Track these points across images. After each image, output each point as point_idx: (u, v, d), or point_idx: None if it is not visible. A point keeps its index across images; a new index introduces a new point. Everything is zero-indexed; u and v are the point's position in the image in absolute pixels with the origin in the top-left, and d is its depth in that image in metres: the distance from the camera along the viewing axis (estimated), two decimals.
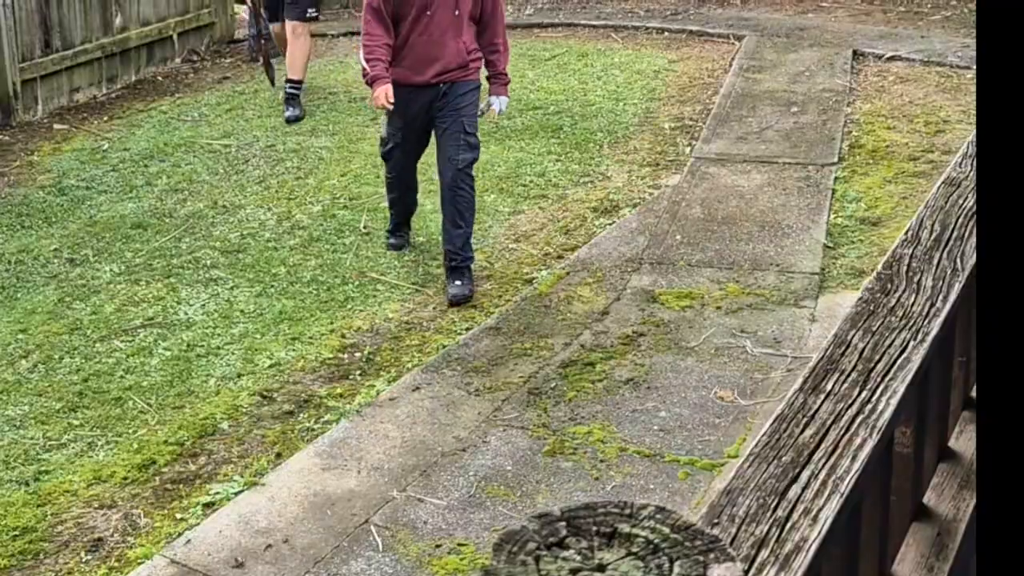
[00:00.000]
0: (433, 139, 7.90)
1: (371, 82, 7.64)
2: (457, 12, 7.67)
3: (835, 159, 9.27)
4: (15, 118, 11.73)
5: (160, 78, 13.21)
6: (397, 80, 7.61)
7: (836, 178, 8.98)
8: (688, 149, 9.66)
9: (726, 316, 7.20)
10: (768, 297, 7.38)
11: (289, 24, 11.20)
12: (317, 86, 12.11)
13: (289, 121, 10.97)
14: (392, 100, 7.55)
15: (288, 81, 11.18)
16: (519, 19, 14.38)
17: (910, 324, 2.64)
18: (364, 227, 8.83)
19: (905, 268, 2.80)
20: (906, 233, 2.93)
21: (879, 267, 2.82)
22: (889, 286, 2.76)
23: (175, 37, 13.62)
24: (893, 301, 2.71)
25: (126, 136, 11.08)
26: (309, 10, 11.07)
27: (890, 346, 2.59)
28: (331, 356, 7.20)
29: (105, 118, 11.91)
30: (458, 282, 7.72)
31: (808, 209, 8.49)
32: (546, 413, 6.37)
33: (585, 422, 6.28)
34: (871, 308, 2.70)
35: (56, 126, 11.72)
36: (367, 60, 7.67)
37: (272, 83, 12.04)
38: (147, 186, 10.00)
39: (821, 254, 7.89)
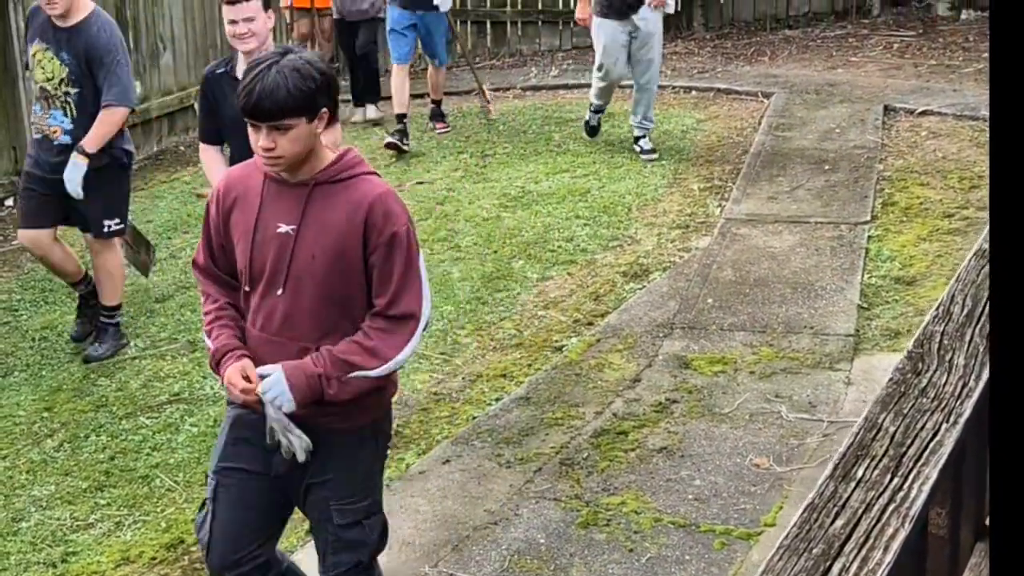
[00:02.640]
0: None
1: None
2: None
3: (868, 217, 9.17)
4: None
5: (182, 148, 13.23)
6: None
7: (869, 237, 8.87)
8: (718, 210, 9.57)
9: (760, 381, 7.09)
10: (802, 360, 7.27)
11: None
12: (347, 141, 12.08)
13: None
14: None
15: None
16: (544, 80, 14.37)
17: (942, 405, 2.55)
18: None
19: (936, 346, 2.70)
20: (937, 309, 2.83)
21: (910, 345, 2.72)
22: (920, 365, 2.67)
23: (196, 107, 13.63)
24: (924, 381, 2.62)
25: (149, 208, 11.06)
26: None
27: (922, 429, 2.50)
28: None
29: None
30: None
31: (841, 269, 8.38)
32: (579, 484, 6.26)
33: (618, 492, 6.16)
34: (902, 389, 2.61)
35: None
36: None
37: None
38: (171, 259, 9.98)
39: (855, 315, 7.77)
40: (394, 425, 7.00)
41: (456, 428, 6.98)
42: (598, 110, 11.62)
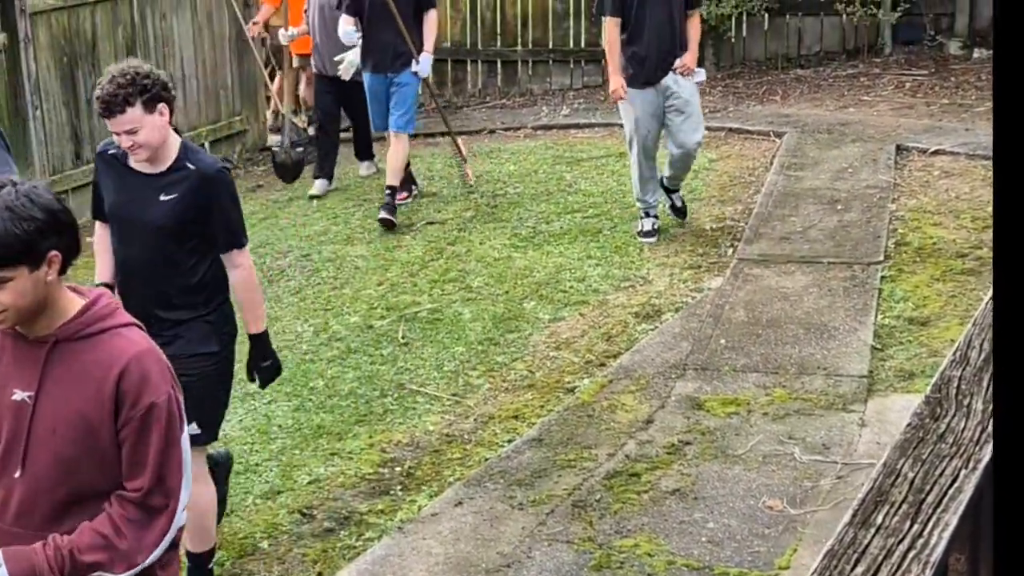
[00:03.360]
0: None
1: None
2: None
3: (881, 257, 9.13)
4: None
5: None
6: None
7: (882, 277, 8.83)
8: (730, 250, 9.55)
9: (773, 422, 7.05)
10: (816, 402, 7.23)
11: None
12: (354, 192, 12.12)
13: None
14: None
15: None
16: (555, 120, 14.38)
17: (961, 451, 2.52)
18: (402, 337, 8.74)
19: (954, 391, 2.68)
20: (954, 353, 2.80)
21: (928, 390, 2.70)
22: (938, 410, 2.64)
23: (207, 146, 13.66)
24: (943, 427, 2.59)
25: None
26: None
27: (941, 475, 2.47)
28: (371, 471, 7.09)
29: None
30: None
31: (855, 310, 8.35)
32: (591, 526, 6.22)
33: (632, 535, 6.13)
34: (920, 434, 2.59)
35: (89, 239, 11.68)
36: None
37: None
38: None
39: (869, 356, 7.73)
40: (407, 465, 7.00)
41: (468, 470, 6.94)
42: (648, 210, 10.09)
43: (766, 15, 15.56)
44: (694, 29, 9.90)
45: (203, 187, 5.71)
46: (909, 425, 2.63)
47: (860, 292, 8.61)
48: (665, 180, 10.19)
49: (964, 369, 2.76)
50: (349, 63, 11.61)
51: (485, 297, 9.25)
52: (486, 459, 7.02)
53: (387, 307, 9.27)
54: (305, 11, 12.55)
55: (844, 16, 15.24)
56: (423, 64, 11.14)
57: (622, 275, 9.37)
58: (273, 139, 13.78)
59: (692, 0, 9.86)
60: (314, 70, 12.55)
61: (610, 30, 9.78)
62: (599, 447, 6.95)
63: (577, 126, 14.01)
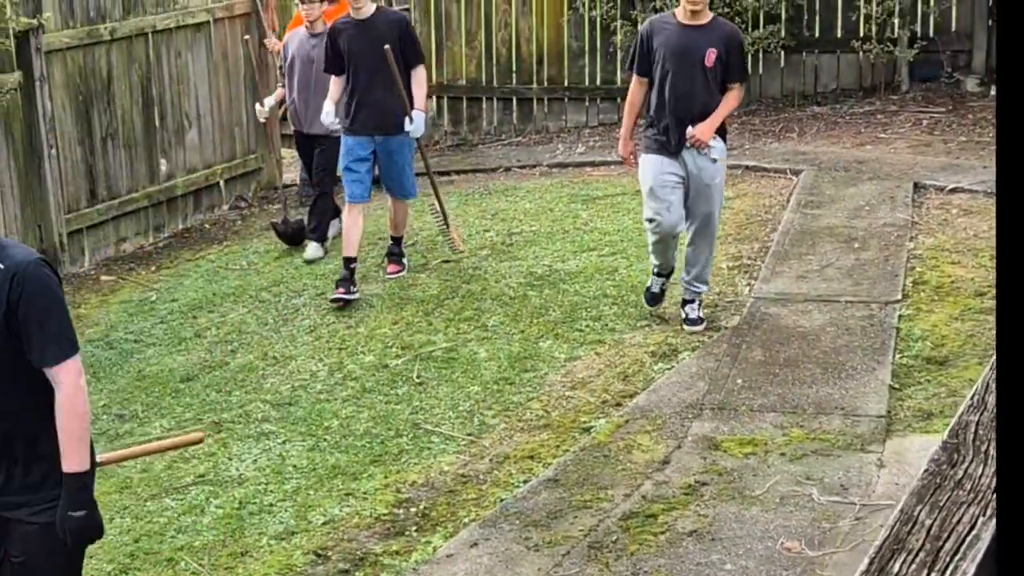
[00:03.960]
0: None
1: None
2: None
3: (899, 296, 9.08)
4: (62, 270, 11.80)
5: (208, 226, 13.26)
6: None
7: (900, 316, 8.78)
8: (747, 289, 9.50)
9: (791, 463, 6.99)
10: (833, 442, 7.17)
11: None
12: (368, 231, 12.09)
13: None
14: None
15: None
16: (570, 158, 14.36)
17: (979, 498, 2.47)
18: (417, 377, 8.71)
19: (972, 436, 2.63)
20: (972, 398, 2.76)
21: (944, 435, 2.65)
22: (956, 456, 2.59)
23: (222, 184, 13.71)
24: (960, 473, 2.54)
25: (174, 287, 11.06)
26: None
27: (958, 522, 2.43)
28: (386, 512, 7.05)
29: (152, 268, 11.95)
30: None
31: (872, 349, 8.29)
32: (608, 568, 6.17)
33: None
34: (937, 481, 2.54)
35: (103, 277, 11.76)
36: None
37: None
38: (196, 338, 9.97)
39: (887, 396, 7.67)
40: (422, 506, 6.96)
41: (484, 510, 6.90)
42: (659, 272, 9.17)
43: (782, 52, 15.55)
44: (728, 100, 8.77)
45: (15, 287, 4.58)
46: (926, 471, 2.59)
47: (878, 331, 8.56)
48: (683, 279, 9.09)
49: (982, 414, 2.72)
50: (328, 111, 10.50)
51: (500, 336, 9.22)
52: (501, 500, 6.98)
53: (402, 346, 9.24)
54: (280, 67, 12.23)
55: (861, 53, 15.22)
56: (417, 123, 10.26)
57: (638, 314, 9.33)
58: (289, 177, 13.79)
59: (735, 71, 8.79)
60: (294, 126, 12.00)
61: (633, 89, 8.95)
62: (615, 488, 6.90)
63: (593, 164, 13.98)
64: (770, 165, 12.80)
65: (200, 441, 6.74)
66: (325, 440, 7.99)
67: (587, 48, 15.84)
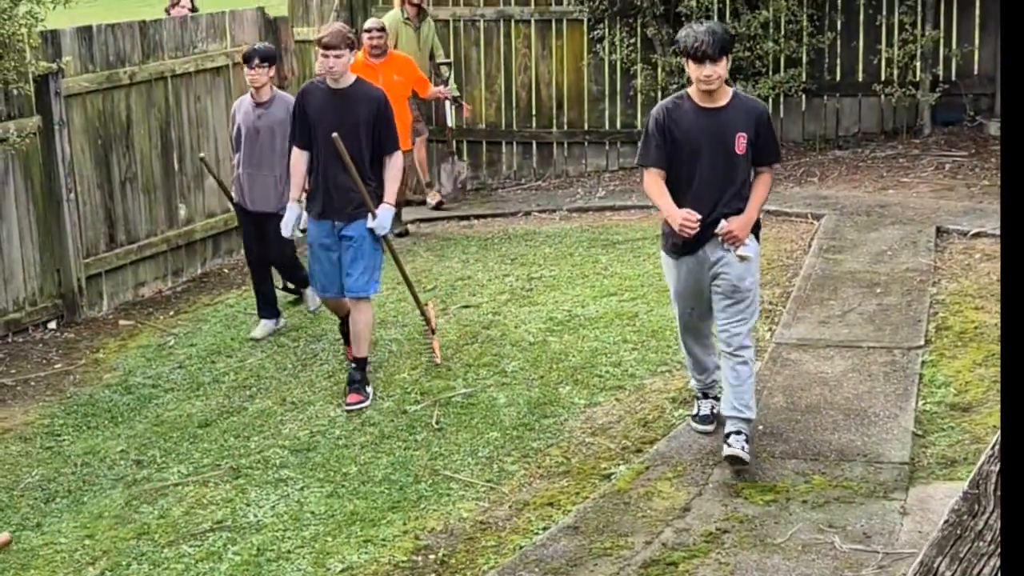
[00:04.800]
0: None
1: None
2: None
3: (922, 342, 9.01)
4: (80, 314, 11.81)
5: (226, 270, 13.27)
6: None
7: (923, 362, 8.71)
8: (768, 334, 9.44)
9: (812, 510, 6.92)
10: (856, 489, 7.10)
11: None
12: (387, 275, 12.06)
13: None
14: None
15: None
16: (590, 202, 14.34)
17: (1000, 550, 2.41)
18: (436, 422, 8.67)
19: (992, 487, 2.57)
20: (992, 448, 2.70)
21: (965, 486, 2.60)
22: (976, 507, 2.54)
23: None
24: (981, 524, 2.49)
25: (192, 331, 11.04)
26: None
27: (979, 574, 2.37)
28: (405, 559, 7.00)
29: (171, 313, 11.94)
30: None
31: (895, 395, 8.23)
32: None
33: None
34: (958, 532, 2.48)
35: (122, 322, 11.76)
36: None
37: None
38: (214, 383, 9.95)
39: (910, 443, 7.60)
40: (441, 553, 6.91)
41: (503, 558, 6.85)
42: (703, 391, 8.13)
43: (804, 96, 15.54)
44: (760, 188, 7.69)
45: None
46: (946, 522, 2.54)
47: (900, 377, 8.49)
48: (725, 417, 7.64)
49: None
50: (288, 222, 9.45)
51: (520, 382, 9.17)
52: (521, 547, 6.92)
53: (421, 392, 9.20)
54: (231, 136, 11.22)
55: (882, 97, 15.21)
56: (380, 219, 9.10)
57: (659, 359, 9.27)
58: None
59: (768, 153, 7.72)
60: (235, 199, 11.02)
61: (650, 183, 7.65)
62: (635, 535, 6.84)
63: (613, 208, 13.96)
64: (791, 209, 12.75)
65: (8, 543, 6.82)
66: (344, 486, 7.94)
67: (607, 92, 15.85)
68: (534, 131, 16.06)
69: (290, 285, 11.40)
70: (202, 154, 11.76)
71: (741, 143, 7.53)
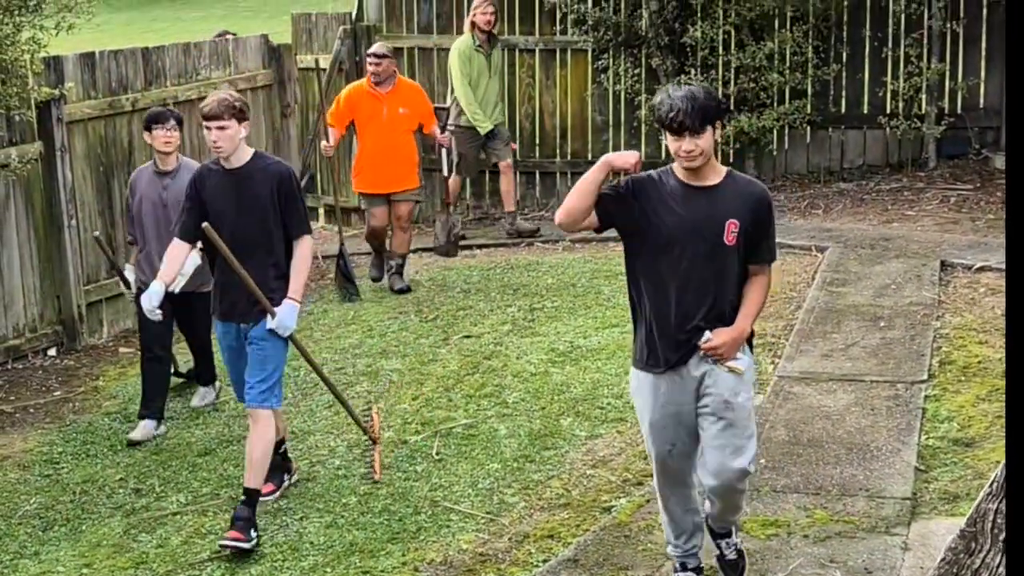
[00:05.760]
0: None
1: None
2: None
3: (925, 376, 8.97)
4: (80, 341, 11.80)
5: None
6: None
7: (926, 396, 8.67)
8: (771, 368, 9.40)
9: (814, 545, 6.87)
10: (858, 524, 7.05)
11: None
12: (389, 304, 12.05)
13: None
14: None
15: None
16: (592, 233, 14.25)
17: None
18: (436, 453, 8.63)
19: (990, 525, 2.54)
20: (991, 485, 2.67)
21: (963, 523, 2.56)
22: (973, 545, 2.51)
23: None
24: (977, 562, 2.46)
25: (191, 360, 11.01)
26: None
27: None
28: None
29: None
30: None
31: (898, 430, 8.19)
32: None
33: None
34: (955, 570, 2.46)
35: (122, 349, 11.75)
36: None
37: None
38: (214, 412, 9.95)
39: (912, 478, 7.56)
40: None
41: None
42: (685, 560, 6.51)
43: (808, 128, 15.52)
44: (755, 293, 6.19)
45: None
46: (943, 560, 2.51)
47: (903, 411, 8.46)
48: (708, 519, 6.50)
49: (1000, 502, 2.63)
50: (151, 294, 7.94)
51: (521, 413, 9.14)
52: None
53: (422, 422, 9.17)
54: (128, 211, 10.05)
55: (887, 129, 15.18)
56: (281, 318, 7.81)
57: None
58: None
59: (764, 250, 6.20)
60: (134, 289, 9.97)
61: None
62: (636, 568, 6.81)
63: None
64: (795, 242, 12.72)
65: None
66: (343, 517, 7.91)
67: (611, 122, 15.83)
68: (537, 160, 16.03)
69: (184, 372, 10.63)
70: (96, 232, 10.78)
71: (730, 232, 6.04)
